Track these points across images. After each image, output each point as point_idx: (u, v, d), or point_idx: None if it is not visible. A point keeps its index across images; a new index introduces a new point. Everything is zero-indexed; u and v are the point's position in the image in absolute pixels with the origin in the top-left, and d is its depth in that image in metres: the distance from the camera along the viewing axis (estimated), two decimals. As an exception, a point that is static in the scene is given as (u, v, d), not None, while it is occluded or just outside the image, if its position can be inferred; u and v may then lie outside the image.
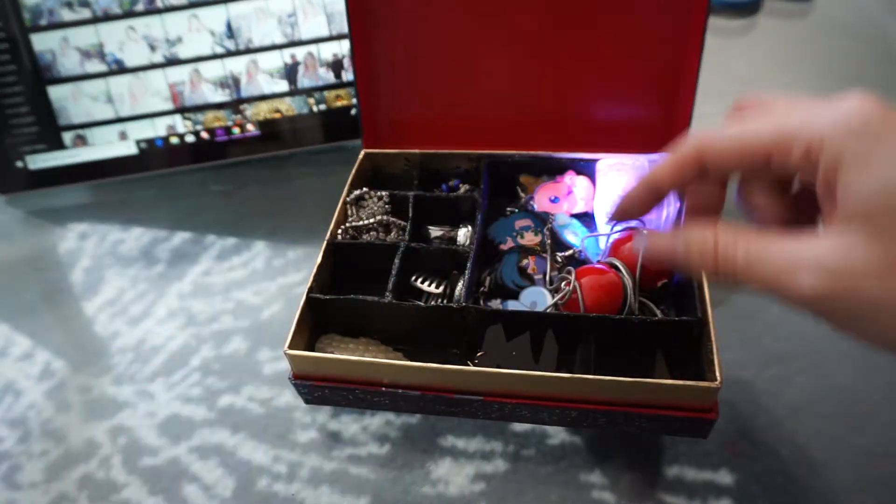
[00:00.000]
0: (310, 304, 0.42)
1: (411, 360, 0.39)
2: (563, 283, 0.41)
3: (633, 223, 0.41)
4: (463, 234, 0.47)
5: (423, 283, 0.45)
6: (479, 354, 0.39)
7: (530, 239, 0.47)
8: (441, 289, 0.44)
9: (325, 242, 0.45)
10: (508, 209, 0.51)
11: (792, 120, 0.27)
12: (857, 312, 0.24)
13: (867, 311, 0.24)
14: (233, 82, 0.61)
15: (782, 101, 0.29)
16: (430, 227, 0.49)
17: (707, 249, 0.28)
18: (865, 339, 0.25)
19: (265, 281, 0.53)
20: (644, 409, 0.36)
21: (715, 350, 0.36)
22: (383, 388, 0.39)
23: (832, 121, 0.25)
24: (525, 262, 0.45)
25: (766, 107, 0.29)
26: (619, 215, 0.35)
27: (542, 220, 0.48)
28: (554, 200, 0.49)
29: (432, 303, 0.44)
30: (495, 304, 0.44)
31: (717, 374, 0.34)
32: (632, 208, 0.34)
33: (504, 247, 0.47)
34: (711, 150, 0.29)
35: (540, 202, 0.50)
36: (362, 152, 0.52)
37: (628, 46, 0.47)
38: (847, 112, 0.25)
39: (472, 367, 0.37)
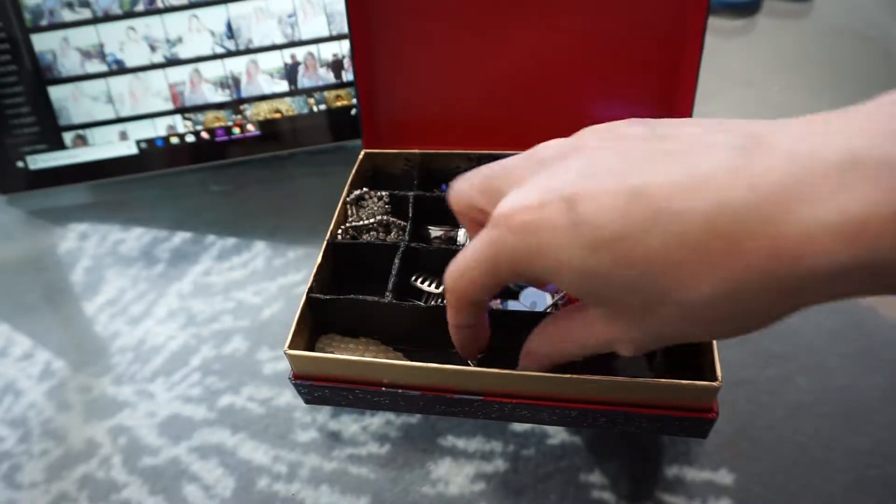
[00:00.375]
0: (310, 304, 0.42)
1: (411, 360, 0.39)
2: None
3: None
4: (463, 234, 0.47)
5: (423, 283, 0.45)
6: (479, 355, 0.39)
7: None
8: (441, 289, 0.44)
9: (325, 242, 0.45)
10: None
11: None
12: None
13: None
14: (233, 82, 0.61)
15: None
16: (430, 228, 0.49)
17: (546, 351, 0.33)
18: None
19: (265, 281, 0.53)
20: (644, 409, 0.36)
21: (715, 350, 0.36)
22: (383, 388, 0.39)
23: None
24: None
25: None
26: (468, 356, 0.37)
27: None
28: None
29: (432, 303, 0.44)
30: (495, 304, 0.44)
31: (718, 373, 0.34)
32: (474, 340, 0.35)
33: None
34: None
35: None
36: (362, 152, 0.52)
37: (628, 47, 0.47)
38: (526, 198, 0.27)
39: (472, 367, 0.37)
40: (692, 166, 0.24)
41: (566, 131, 0.51)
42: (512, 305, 0.43)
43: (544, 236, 0.26)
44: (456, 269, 0.30)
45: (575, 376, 0.35)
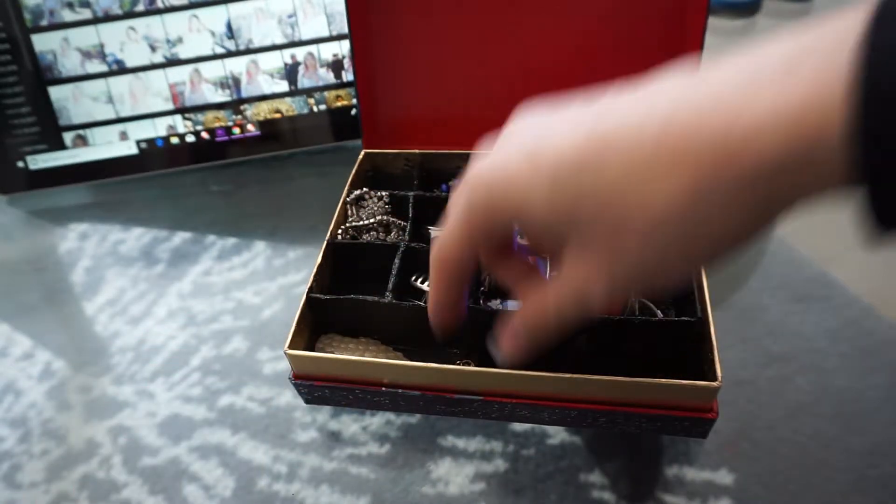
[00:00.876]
0: (310, 304, 0.42)
1: (411, 360, 0.39)
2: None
3: None
4: None
5: (423, 283, 0.45)
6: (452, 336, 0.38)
7: (531, 239, 0.47)
8: None
9: (325, 242, 0.45)
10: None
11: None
12: None
13: None
14: (233, 82, 0.61)
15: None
16: (430, 228, 0.49)
17: (543, 320, 0.30)
18: None
19: (265, 281, 0.53)
20: (644, 409, 0.36)
21: (715, 350, 0.36)
22: (383, 388, 0.39)
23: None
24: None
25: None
26: (441, 334, 0.35)
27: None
28: None
29: None
30: (495, 303, 0.44)
31: (718, 373, 0.34)
32: (448, 318, 0.34)
33: None
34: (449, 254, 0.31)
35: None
36: (362, 152, 0.52)
37: (629, 47, 0.47)
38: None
39: (471, 367, 0.37)
40: (640, 102, 0.25)
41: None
42: (511, 305, 0.43)
43: (511, 183, 0.27)
44: (439, 239, 0.31)
45: (575, 376, 0.35)
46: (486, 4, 0.47)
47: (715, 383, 0.34)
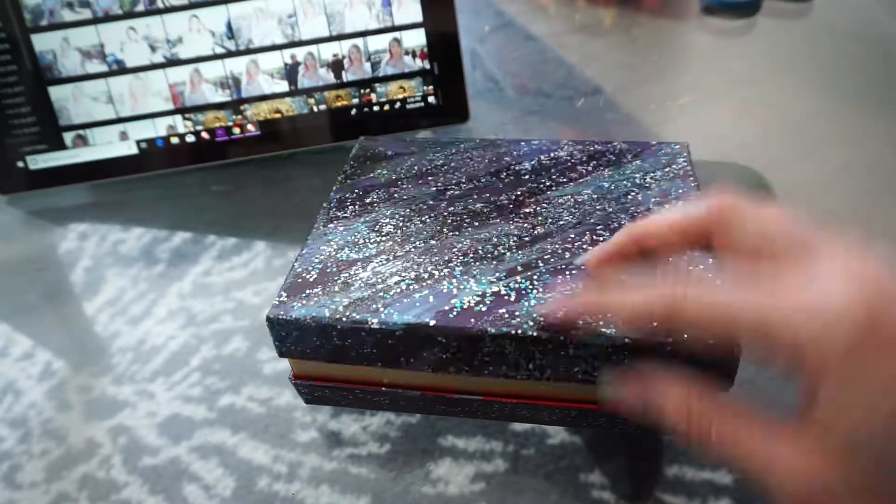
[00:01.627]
0: (310, 303, 0.42)
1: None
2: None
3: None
4: None
5: None
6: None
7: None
8: None
9: (326, 242, 0.45)
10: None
11: (771, 312, 0.25)
12: None
13: None
14: (233, 83, 0.61)
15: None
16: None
17: (680, 414, 0.28)
18: None
19: (265, 281, 0.53)
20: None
21: None
22: (383, 388, 0.39)
23: (819, 333, 0.24)
24: None
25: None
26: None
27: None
28: None
29: None
30: None
31: None
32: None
33: None
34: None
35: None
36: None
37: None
38: (836, 322, 0.23)
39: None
40: None
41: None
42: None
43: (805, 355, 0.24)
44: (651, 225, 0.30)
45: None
46: None
47: None
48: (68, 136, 0.61)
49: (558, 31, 0.85)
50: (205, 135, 0.62)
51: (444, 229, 0.41)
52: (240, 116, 0.62)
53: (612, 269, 0.32)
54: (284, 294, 0.38)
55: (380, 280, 0.38)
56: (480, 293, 0.36)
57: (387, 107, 0.63)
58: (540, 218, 0.41)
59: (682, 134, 0.57)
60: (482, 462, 0.40)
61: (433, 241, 0.40)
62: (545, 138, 0.49)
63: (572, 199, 0.42)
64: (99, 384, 0.47)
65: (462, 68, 0.62)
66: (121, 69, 0.60)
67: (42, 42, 0.59)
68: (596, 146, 0.47)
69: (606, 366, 0.34)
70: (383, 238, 0.41)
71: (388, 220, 0.42)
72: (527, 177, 0.45)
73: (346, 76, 0.61)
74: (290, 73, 0.61)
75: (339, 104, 0.62)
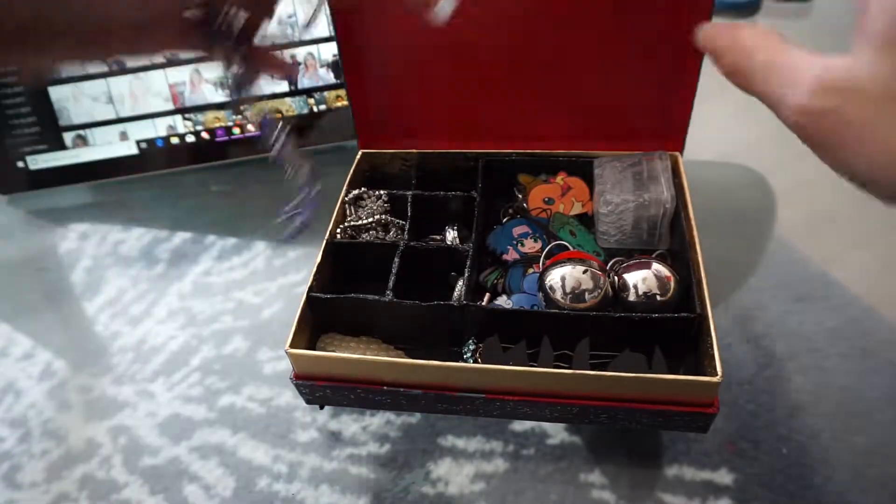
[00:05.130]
0: (310, 303, 0.42)
1: (412, 359, 0.39)
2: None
3: None
4: (451, 237, 0.47)
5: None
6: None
7: (531, 246, 0.47)
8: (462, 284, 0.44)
9: (325, 242, 0.45)
10: (503, 210, 0.51)
11: None
12: (841, 134, 0.22)
13: (851, 134, 0.22)
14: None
15: None
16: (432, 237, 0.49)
17: (735, 44, 0.27)
18: (841, 166, 0.23)
19: (265, 281, 0.53)
20: (645, 405, 0.36)
21: (715, 345, 0.36)
22: (385, 388, 0.39)
23: None
24: (531, 271, 0.45)
25: None
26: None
27: (540, 225, 0.48)
28: (548, 202, 0.49)
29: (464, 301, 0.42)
30: (503, 300, 0.44)
31: (718, 368, 0.34)
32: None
33: (507, 257, 0.46)
34: None
35: (533, 203, 0.50)
36: (359, 153, 0.52)
37: (629, 44, 0.47)
38: None
39: (473, 365, 0.37)
40: None
41: (563, 130, 0.51)
42: (507, 304, 0.43)
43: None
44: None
45: (576, 372, 0.35)
46: (483, 3, 0.47)
47: (716, 378, 0.34)
48: (68, 136, 0.61)
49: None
50: (205, 135, 0.62)
51: None
52: (240, 116, 0.62)
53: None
54: None
55: None
56: None
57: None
58: None
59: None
60: (482, 462, 0.40)
61: None
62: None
63: None
64: (99, 384, 0.47)
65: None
66: (121, 69, 0.60)
67: (42, 42, 0.59)
68: None
69: None
70: None
71: None
72: None
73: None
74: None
75: (339, 104, 0.62)
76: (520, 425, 0.42)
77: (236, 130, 0.62)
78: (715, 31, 0.29)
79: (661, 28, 0.46)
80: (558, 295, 0.40)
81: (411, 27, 0.48)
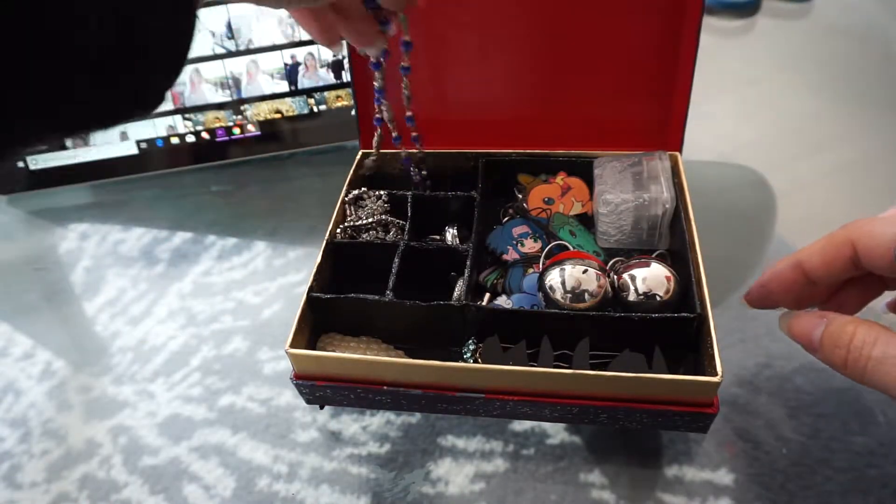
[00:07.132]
0: (310, 303, 0.42)
1: (413, 359, 0.39)
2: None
3: None
4: (451, 237, 0.47)
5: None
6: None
7: (531, 246, 0.47)
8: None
9: (325, 242, 0.45)
10: (503, 210, 0.51)
11: None
12: None
13: None
14: (233, 83, 0.61)
15: None
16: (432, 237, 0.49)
17: (840, 342, 0.28)
18: None
19: (265, 281, 0.53)
20: (645, 405, 0.36)
21: (715, 345, 0.36)
22: (385, 388, 0.39)
23: None
24: (531, 271, 0.45)
25: None
26: (757, 298, 0.33)
27: (540, 225, 0.48)
28: (548, 202, 0.49)
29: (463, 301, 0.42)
30: (503, 300, 0.44)
31: (718, 368, 0.34)
32: (774, 291, 0.32)
33: (507, 257, 0.46)
34: (865, 243, 0.28)
35: (533, 203, 0.50)
36: (360, 153, 0.52)
37: (625, 44, 0.47)
38: None
39: (473, 365, 0.37)
40: None
41: (564, 130, 0.51)
42: (507, 303, 0.43)
43: None
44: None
45: (576, 372, 0.35)
46: (483, 4, 0.47)
47: (716, 378, 0.34)
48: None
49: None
50: (205, 135, 0.62)
51: None
52: (240, 116, 0.62)
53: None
54: None
55: None
56: None
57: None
58: None
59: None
60: (482, 462, 0.40)
61: None
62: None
63: None
64: (99, 384, 0.47)
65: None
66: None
67: (42, 42, 0.59)
68: None
69: None
70: None
71: None
72: None
73: (346, 76, 0.61)
74: (290, 73, 0.60)
75: (339, 104, 0.62)
76: (520, 425, 0.42)
77: (236, 130, 0.62)
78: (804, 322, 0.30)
79: (655, 30, 0.46)
80: (558, 295, 0.40)
81: (416, 28, 0.48)
